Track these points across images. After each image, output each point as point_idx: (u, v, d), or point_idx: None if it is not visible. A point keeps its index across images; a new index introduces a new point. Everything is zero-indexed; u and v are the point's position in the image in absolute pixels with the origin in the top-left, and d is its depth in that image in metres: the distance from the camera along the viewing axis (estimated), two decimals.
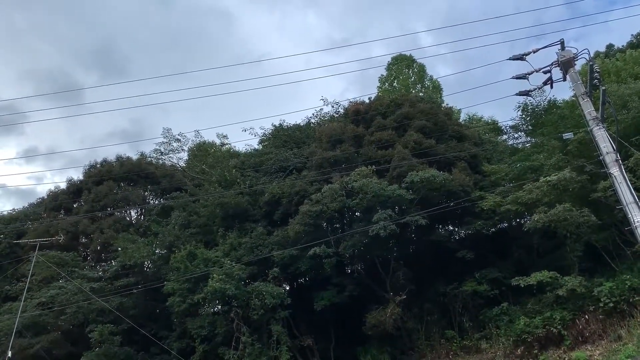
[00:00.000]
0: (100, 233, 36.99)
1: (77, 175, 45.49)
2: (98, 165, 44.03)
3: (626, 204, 12.95)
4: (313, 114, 40.17)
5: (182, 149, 43.80)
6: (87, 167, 44.20)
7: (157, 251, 33.16)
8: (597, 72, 14.41)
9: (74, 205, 42.11)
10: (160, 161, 44.39)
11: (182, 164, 44.49)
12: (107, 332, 28.49)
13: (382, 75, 49.91)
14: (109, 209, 39.75)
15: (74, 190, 42.56)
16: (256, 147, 39.97)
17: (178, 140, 42.97)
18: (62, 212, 42.30)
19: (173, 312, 28.43)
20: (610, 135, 13.88)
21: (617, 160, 13.46)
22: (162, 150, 43.15)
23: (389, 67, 49.43)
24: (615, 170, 13.35)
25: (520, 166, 28.12)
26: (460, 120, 40.52)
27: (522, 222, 27.81)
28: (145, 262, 33.64)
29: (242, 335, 26.36)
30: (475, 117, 44.84)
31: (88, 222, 38.51)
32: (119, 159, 44.02)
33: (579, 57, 14.78)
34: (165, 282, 28.26)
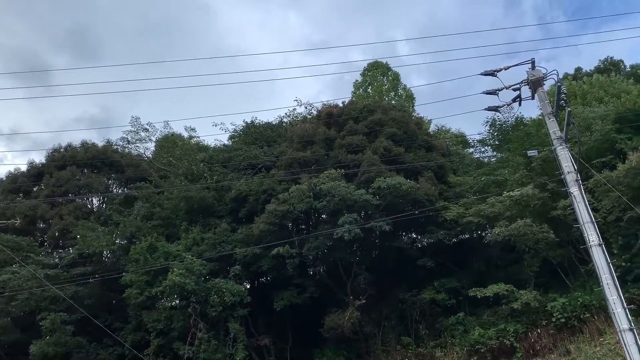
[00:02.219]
0: (60, 219, 36.06)
1: (40, 158, 44.30)
2: (62, 150, 42.87)
3: (583, 223, 13.31)
4: (286, 113, 40.09)
5: (150, 139, 43.03)
6: (51, 150, 43.02)
7: (117, 241, 32.59)
8: (565, 94, 14.78)
9: (34, 189, 40.97)
10: (127, 150, 43.55)
11: (148, 154, 43.75)
12: (59, 321, 27.84)
13: (357, 80, 50.18)
14: (70, 194, 38.79)
15: (35, 173, 41.38)
16: (226, 142, 39.63)
17: (146, 129, 42.19)
18: (20, 195, 41.10)
19: (129, 304, 27.97)
20: (572, 155, 14.22)
21: (577, 180, 13.82)
22: (129, 139, 42.32)
23: (364, 73, 49.68)
24: (575, 190, 13.70)
25: (484, 179, 28.68)
26: (430, 130, 41.02)
27: (483, 234, 28.38)
28: (104, 252, 32.97)
29: (198, 331, 26.11)
30: (444, 128, 45.49)
31: (47, 207, 37.49)
32: (84, 144, 43.00)
33: (548, 78, 15.10)
34: (123, 273, 27.77)
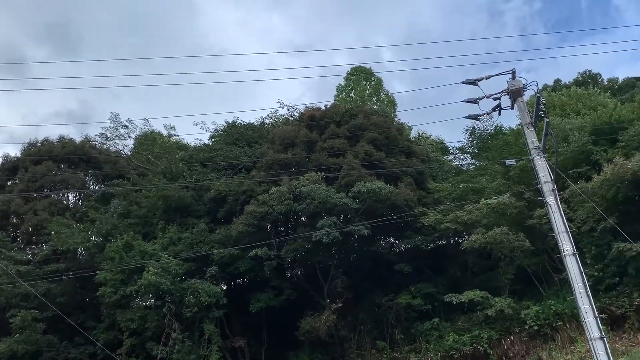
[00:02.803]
0: (34, 214, 35.44)
1: (15, 152, 43.48)
2: (38, 144, 42.21)
3: (558, 232, 13.52)
4: (268, 114, 40.01)
5: (129, 136, 42.37)
6: (27, 144, 42.31)
7: (92, 238, 32.07)
8: (543, 105, 14.98)
9: (8, 183, 40.20)
10: (105, 146, 42.93)
11: (127, 151, 43.14)
12: (30, 319, 27.32)
13: (340, 84, 50.30)
14: (45, 190, 38.14)
15: (10, 167, 40.66)
16: (206, 142, 39.35)
17: (126, 126, 41.57)
18: None
19: (103, 302, 27.60)
20: (549, 165, 14.44)
21: (553, 190, 14.03)
22: (108, 135, 41.64)
23: (347, 77, 49.82)
24: (551, 200, 13.91)
25: (463, 187, 28.96)
26: (411, 136, 41.32)
27: (460, 241, 28.62)
28: (79, 249, 32.45)
29: (173, 331, 25.86)
30: (424, 135, 45.88)
31: (21, 201, 36.84)
32: (62, 139, 42.35)
33: (527, 88, 15.34)
34: (98, 271, 27.36)
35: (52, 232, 32.47)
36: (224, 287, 31.11)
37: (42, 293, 27.73)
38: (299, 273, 29.38)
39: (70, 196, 40.12)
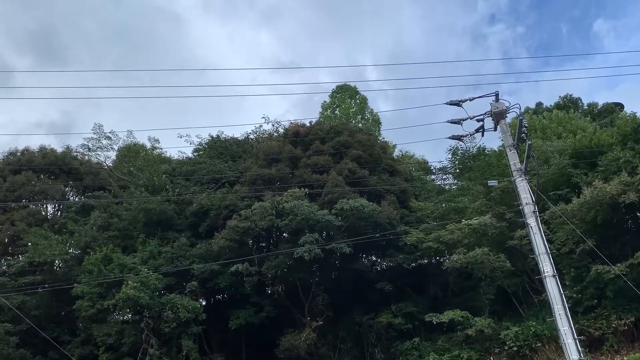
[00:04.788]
0: (11, 225, 34.81)
1: None
2: (18, 154, 41.67)
3: (538, 253, 13.67)
4: (253, 130, 40.01)
5: (112, 148, 42.20)
6: (6, 154, 41.76)
7: (70, 250, 31.58)
8: (525, 127, 15.23)
9: None
10: (87, 157, 42.59)
11: (109, 163, 42.84)
12: (3, 332, 26.72)
13: (325, 101, 50.54)
14: (24, 200, 37.52)
15: None
16: (190, 155, 39.20)
17: (109, 137, 41.40)
18: None
19: (79, 316, 27.10)
20: (531, 187, 14.63)
21: (534, 212, 14.21)
22: (90, 146, 41.42)
23: (332, 95, 50.06)
24: (532, 221, 14.08)
25: (445, 206, 29.10)
26: (394, 155, 41.51)
27: (442, 260, 28.68)
28: (57, 261, 31.92)
29: (150, 347, 25.43)
30: (408, 154, 46.13)
31: None
32: (42, 149, 41.85)
33: (510, 111, 15.62)
34: (75, 284, 26.88)
35: (29, 243, 31.90)
36: (204, 303, 30.77)
37: (17, 305, 27.14)
38: (279, 290, 29.15)
39: (50, 207, 39.59)
